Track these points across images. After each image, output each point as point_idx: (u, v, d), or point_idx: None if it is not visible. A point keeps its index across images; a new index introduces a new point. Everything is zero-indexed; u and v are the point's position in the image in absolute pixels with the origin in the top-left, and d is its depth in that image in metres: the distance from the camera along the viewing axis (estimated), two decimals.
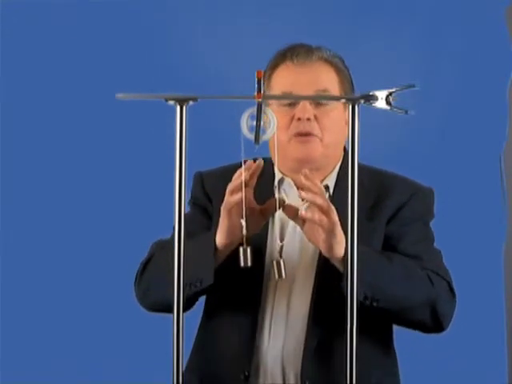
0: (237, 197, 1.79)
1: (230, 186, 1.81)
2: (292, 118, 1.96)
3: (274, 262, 1.77)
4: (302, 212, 1.80)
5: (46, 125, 3.16)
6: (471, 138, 3.14)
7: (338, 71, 2.00)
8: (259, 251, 1.95)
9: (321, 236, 1.81)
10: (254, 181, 1.83)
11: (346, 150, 2.06)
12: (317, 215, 1.78)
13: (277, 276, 1.77)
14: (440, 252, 2.04)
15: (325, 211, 1.78)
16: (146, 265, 2.03)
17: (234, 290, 1.96)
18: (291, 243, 1.98)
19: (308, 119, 1.95)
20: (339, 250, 1.81)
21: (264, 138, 1.63)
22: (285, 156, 1.97)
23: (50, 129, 3.16)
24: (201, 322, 2.08)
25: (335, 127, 1.99)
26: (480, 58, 3.14)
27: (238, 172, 1.81)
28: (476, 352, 3.07)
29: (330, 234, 1.80)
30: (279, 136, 1.90)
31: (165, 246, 1.98)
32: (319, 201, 1.78)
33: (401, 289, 1.88)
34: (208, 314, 2.06)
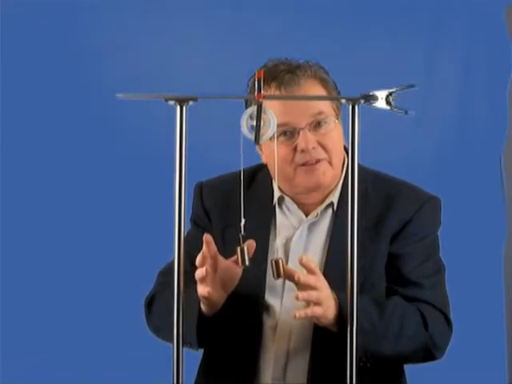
0: (205, 289, 1.79)
1: (196, 277, 1.79)
2: (294, 149, 1.91)
3: (273, 262, 1.71)
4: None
5: (46, 125, 3.16)
6: (471, 138, 3.14)
7: (324, 82, 1.96)
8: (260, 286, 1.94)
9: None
10: (215, 251, 1.80)
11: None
12: (309, 311, 1.77)
13: (275, 276, 1.71)
14: (443, 270, 2.02)
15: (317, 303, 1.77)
16: (151, 303, 2.03)
17: (233, 323, 1.94)
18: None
19: (313, 148, 1.91)
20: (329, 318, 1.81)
21: (264, 138, 1.62)
22: (292, 184, 1.95)
23: (50, 129, 3.16)
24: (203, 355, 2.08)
25: (338, 147, 1.95)
26: (480, 57, 3.14)
27: (198, 259, 1.79)
28: (476, 352, 3.07)
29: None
30: (283, 167, 1.90)
31: (166, 281, 1.97)
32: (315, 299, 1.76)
33: (393, 347, 1.87)
34: (208, 354, 2.06)
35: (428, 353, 1.93)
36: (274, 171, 1.84)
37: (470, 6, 3.11)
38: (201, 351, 2.06)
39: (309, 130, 1.91)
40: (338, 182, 2.00)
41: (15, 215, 3.17)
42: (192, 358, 2.03)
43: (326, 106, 1.93)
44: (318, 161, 1.91)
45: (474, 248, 3.09)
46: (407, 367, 2.08)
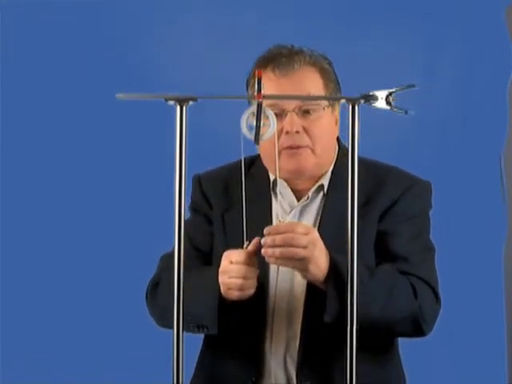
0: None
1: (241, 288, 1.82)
2: (281, 131, 1.93)
3: None
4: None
5: (46, 125, 3.16)
6: (471, 138, 3.14)
7: (322, 72, 1.98)
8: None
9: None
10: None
11: (339, 145, 2.06)
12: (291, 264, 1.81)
13: None
14: (433, 250, 2.03)
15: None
16: (155, 287, 2.03)
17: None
18: None
19: (297, 132, 1.93)
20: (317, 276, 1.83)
21: (264, 138, 1.63)
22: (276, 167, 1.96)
23: (49, 129, 3.16)
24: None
25: (325, 135, 1.98)
26: (480, 57, 3.14)
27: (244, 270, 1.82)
28: (476, 352, 3.07)
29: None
30: (269, 149, 1.91)
31: (170, 266, 1.98)
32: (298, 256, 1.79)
33: (382, 310, 1.87)
34: None
35: (416, 324, 1.92)
36: (266, 158, 1.92)
37: (470, 5, 3.11)
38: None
39: (296, 114, 1.94)
40: (329, 168, 2.02)
41: (15, 214, 3.17)
42: (192, 355, 2.04)
43: (317, 90, 1.96)
44: (299, 147, 1.94)
45: (474, 248, 3.09)
46: (406, 364, 2.08)
